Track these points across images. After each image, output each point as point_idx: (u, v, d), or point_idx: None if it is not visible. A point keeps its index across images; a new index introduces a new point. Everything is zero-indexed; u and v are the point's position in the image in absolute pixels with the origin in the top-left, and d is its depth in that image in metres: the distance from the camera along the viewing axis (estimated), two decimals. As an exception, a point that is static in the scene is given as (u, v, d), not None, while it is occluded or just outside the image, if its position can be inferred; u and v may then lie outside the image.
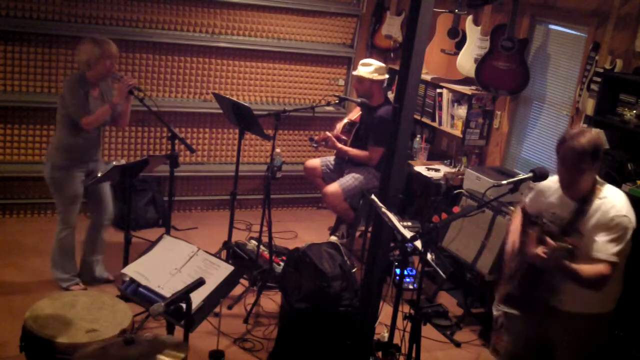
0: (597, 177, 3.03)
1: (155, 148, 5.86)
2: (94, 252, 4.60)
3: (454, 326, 4.62)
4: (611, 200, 2.94)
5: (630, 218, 2.92)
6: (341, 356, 3.83)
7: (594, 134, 2.96)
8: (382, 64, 5.27)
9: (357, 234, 5.69)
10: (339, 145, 5.27)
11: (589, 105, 4.50)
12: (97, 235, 4.58)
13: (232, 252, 4.90)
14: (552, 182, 3.16)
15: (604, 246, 2.87)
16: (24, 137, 5.36)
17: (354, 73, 5.31)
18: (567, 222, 3.01)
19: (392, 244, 3.75)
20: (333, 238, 5.48)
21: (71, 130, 4.25)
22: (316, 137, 5.37)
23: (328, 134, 5.32)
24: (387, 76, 5.25)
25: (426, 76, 5.78)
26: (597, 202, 2.94)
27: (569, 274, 2.88)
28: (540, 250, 2.90)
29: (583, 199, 2.98)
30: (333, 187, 5.22)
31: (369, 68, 5.16)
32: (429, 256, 3.35)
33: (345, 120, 5.50)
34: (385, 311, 3.91)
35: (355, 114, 5.47)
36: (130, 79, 4.32)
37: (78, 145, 4.28)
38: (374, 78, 5.14)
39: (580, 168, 2.92)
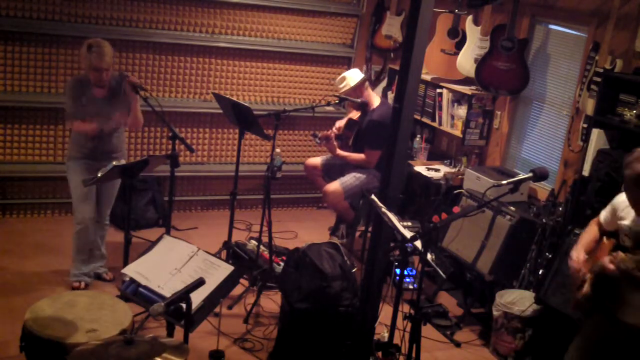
0: None
1: (155, 148, 5.86)
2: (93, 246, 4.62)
3: (454, 326, 4.62)
4: None
5: None
6: (341, 356, 3.83)
7: None
8: (352, 70, 5.29)
9: (357, 234, 5.69)
10: (338, 151, 5.27)
11: (589, 105, 4.50)
12: (95, 232, 4.58)
13: (232, 252, 4.90)
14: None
15: None
16: (24, 137, 5.35)
17: (337, 94, 5.27)
18: None
19: (392, 244, 3.75)
20: (335, 238, 5.49)
21: None
22: (320, 134, 5.37)
23: (331, 134, 5.31)
24: (362, 76, 5.22)
25: (426, 76, 5.78)
26: None
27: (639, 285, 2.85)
28: (607, 260, 2.89)
29: None
30: (333, 186, 5.21)
31: (342, 83, 5.20)
32: (429, 256, 3.35)
33: (348, 117, 5.51)
34: (385, 311, 3.91)
35: (357, 113, 5.47)
36: (133, 77, 4.35)
37: (86, 142, 4.31)
38: (352, 85, 5.15)
39: None
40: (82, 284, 4.47)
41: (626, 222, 3.06)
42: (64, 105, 4.35)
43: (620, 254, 2.86)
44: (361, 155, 5.22)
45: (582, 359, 3.24)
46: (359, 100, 5.16)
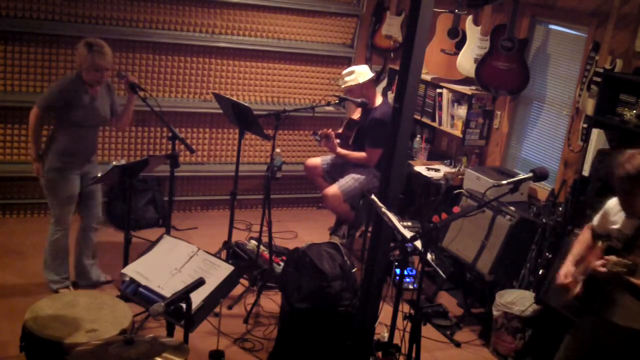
0: None
1: (155, 148, 5.86)
2: (87, 255, 4.55)
3: (454, 326, 4.62)
4: None
5: None
6: (341, 356, 3.83)
7: None
8: (362, 66, 5.28)
9: (357, 234, 5.69)
10: (338, 149, 5.26)
11: (589, 105, 4.50)
12: (87, 238, 4.53)
13: (232, 252, 4.90)
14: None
15: None
16: (24, 137, 5.35)
17: (342, 87, 5.26)
18: (630, 239, 2.98)
19: (392, 244, 3.75)
20: (335, 238, 5.49)
21: (67, 133, 4.23)
22: (320, 132, 5.36)
23: (331, 132, 5.31)
24: (371, 74, 5.23)
25: (426, 76, 5.78)
26: None
27: (629, 288, 2.88)
28: (599, 263, 2.92)
29: None
30: (332, 190, 5.21)
31: (351, 76, 5.17)
32: (429, 256, 3.35)
33: (348, 118, 5.51)
34: (385, 311, 3.91)
35: (357, 112, 5.47)
36: (132, 77, 4.34)
37: (73, 148, 4.26)
38: (360, 82, 5.14)
39: (632, 193, 2.89)
40: (71, 288, 4.41)
41: (617, 226, 3.09)
42: (46, 94, 4.27)
43: (613, 257, 2.89)
44: (362, 154, 5.22)
45: (573, 359, 3.27)
46: (359, 100, 5.15)
